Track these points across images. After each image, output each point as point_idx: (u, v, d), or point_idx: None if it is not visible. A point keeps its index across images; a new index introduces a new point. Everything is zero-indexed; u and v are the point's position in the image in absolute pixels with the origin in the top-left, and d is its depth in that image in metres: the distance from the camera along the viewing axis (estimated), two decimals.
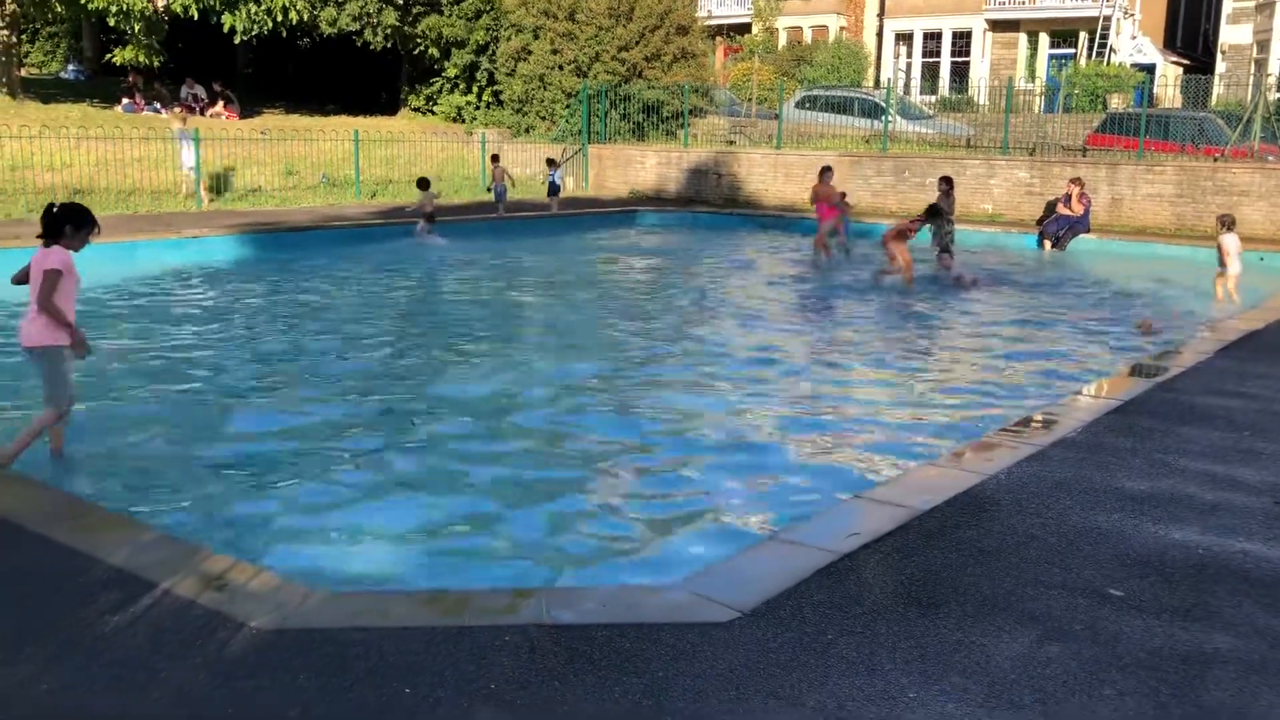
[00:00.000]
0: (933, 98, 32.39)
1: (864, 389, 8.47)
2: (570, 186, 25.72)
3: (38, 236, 5.79)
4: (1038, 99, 27.78)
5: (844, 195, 18.68)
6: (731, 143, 26.00)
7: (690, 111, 26.06)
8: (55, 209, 5.78)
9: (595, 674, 3.32)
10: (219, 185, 19.76)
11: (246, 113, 26.96)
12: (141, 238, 14.40)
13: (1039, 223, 18.57)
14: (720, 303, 12.59)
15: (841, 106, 25.40)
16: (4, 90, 24.20)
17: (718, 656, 3.45)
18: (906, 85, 35.05)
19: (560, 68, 26.76)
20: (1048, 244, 17.75)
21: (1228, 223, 12.44)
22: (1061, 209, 17.82)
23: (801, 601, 3.88)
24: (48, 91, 26.20)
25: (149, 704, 3.08)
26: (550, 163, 20.93)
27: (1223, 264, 12.38)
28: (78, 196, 17.28)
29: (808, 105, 26.10)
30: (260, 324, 10.48)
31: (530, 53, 26.98)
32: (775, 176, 23.00)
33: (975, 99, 29.24)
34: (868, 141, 23.78)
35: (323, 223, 16.78)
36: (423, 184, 17.00)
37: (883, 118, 23.35)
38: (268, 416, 7.28)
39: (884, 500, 5.04)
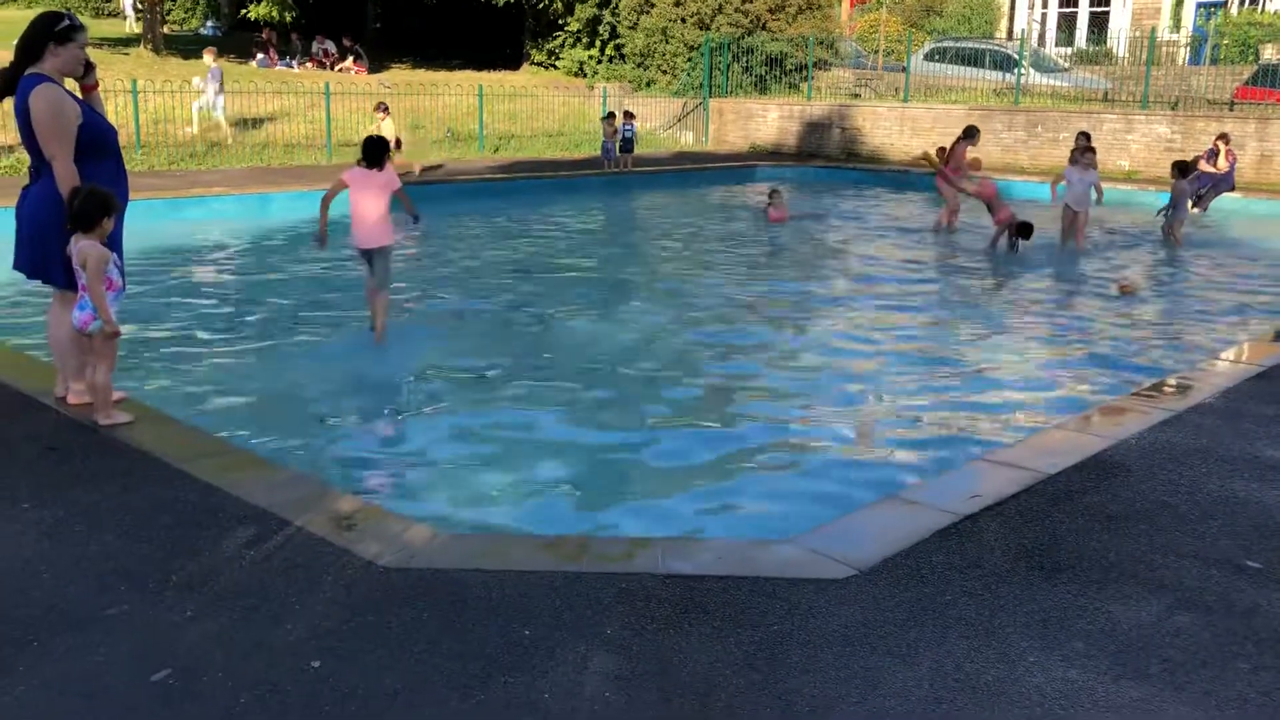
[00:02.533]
0: (1069, 50, 31.10)
1: (987, 350, 8.28)
2: (689, 141, 25.59)
3: (359, 161, 7.34)
4: (1182, 50, 26.46)
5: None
6: (856, 96, 25.48)
7: (814, 64, 25.60)
8: (373, 142, 7.45)
9: (710, 624, 3.35)
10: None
11: (375, 68, 27.52)
12: (275, 189, 14.87)
13: None
14: (839, 258, 12.41)
15: (972, 59, 24.63)
16: (149, 46, 25.19)
17: (833, 613, 3.44)
18: (1041, 36, 33.73)
19: (683, 20, 26.54)
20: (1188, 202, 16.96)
21: (1185, 170, 13.47)
22: (1204, 166, 16.98)
23: (920, 561, 3.83)
24: (188, 48, 27.16)
25: (283, 634, 3.22)
26: (627, 115, 20.14)
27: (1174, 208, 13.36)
28: (215, 149, 17.94)
29: (937, 57, 25.38)
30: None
31: (653, 5, 26.81)
32: (901, 131, 22.49)
33: (1114, 51, 27.97)
34: (999, 95, 23.02)
35: (447, 176, 17.07)
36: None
37: (1015, 70, 22.56)
38: (398, 364, 7.49)
39: (1007, 462, 4.93)
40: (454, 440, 5.89)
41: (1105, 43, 29.71)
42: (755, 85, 26.27)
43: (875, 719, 2.88)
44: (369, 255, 7.49)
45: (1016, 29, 33.79)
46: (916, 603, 3.52)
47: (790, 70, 26.13)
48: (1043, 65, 25.05)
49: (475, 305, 9.39)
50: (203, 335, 8.07)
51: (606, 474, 5.48)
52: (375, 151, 7.34)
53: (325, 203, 7.39)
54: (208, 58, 20.22)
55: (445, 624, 3.30)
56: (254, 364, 7.33)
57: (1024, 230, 12.27)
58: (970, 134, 14.13)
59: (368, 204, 7.31)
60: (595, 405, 6.60)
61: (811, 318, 9.31)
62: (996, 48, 25.99)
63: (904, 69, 24.59)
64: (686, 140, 25.61)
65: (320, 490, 4.49)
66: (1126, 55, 26.31)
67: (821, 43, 26.46)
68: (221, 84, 19.12)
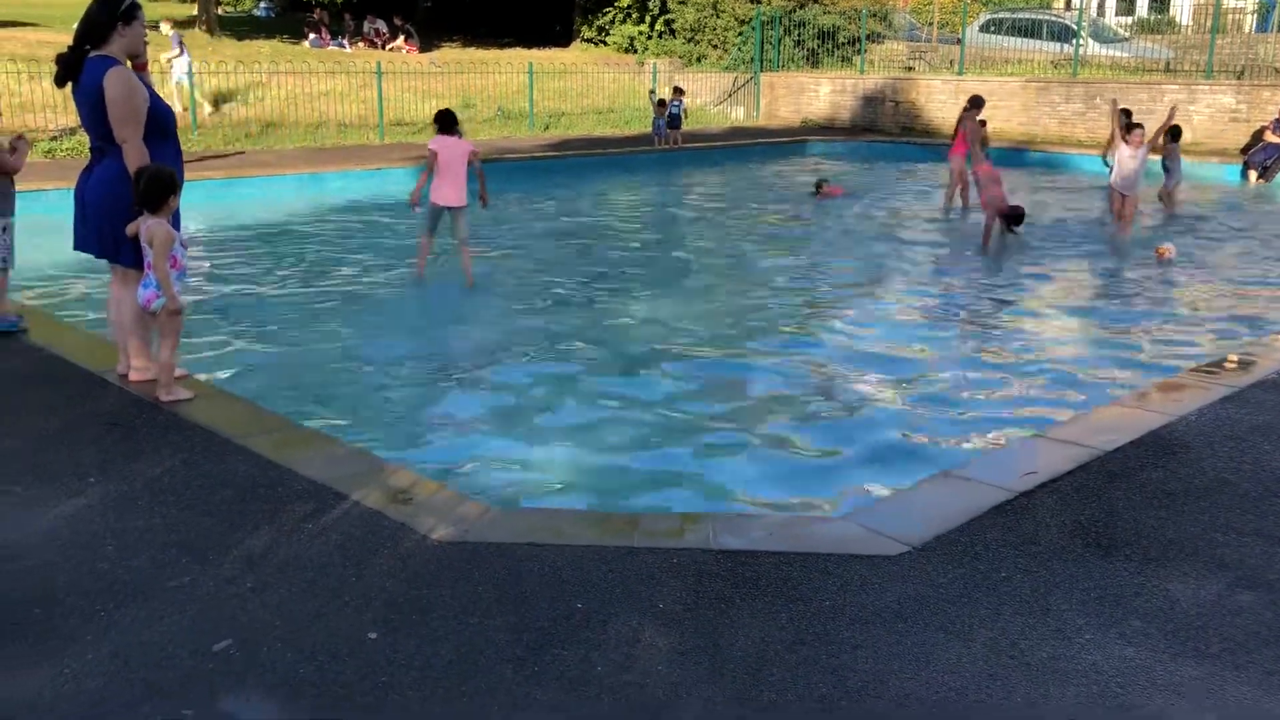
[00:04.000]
0: (1129, 19, 30.42)
1: (1039, 326, 8.16)
2: (740, 116, 25.42)
3: (440, 131, 8.48)
4: (1249, 17, 25.75)
5: (983, 123, 17.69)
6: (910, 69, 25.14)
7: (867, 37, 25.29)
8: (448, 113, 8.51)
9: (762, 600, 3.35)
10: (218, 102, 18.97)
11: (425, 46, 27.60)
12: (329, 169, 15.01)
13: (1244, 151, 17.33)
14: (890, 234, 12.28)
15: (1029, 30, 24.19)
16: (204, 28, 25.50)
17: (886, 589, 3.43)
18: (1100, 6, 33.02)
19: None
20: (1252, 174, 16.56)
21: (1176, 134, 13.12)
22: (1270, 136, 16.58)
23: (974, 538, 3.81)
24: (241, 29, 27.46)
25: (341, 606, 3.28)
26: (676, 90, 20.14)
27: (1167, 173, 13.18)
28: (269, 130, 18.12)
29: (992, 29, 24.95)
30: (440, 253, 10.79)
31: None
32: (956, 104, 22.09)
33: (1177, 19, 27.33)
34: (1056, 66, 22.59)
35: (497, 155, 17.11)
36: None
37: (1073, 41, 22.13)
38: (451, 342, 7.56)
39: (1063, 439, 4.87)
40: (507, 416, 5.93)
41: (1168, 11, 29.03)
42: (807, 59, 26.01)
43: (928, 694, 2.87)
44: (447, 213, 8.58)
45: None
46: (970, 579, 3.50)
47: (843, 44, 25.83)
48: (1102, 35, 24.53)
49: (528, 283, 9.43)
50: (259, 313, 8.18)
51: (658, 450, 5.48)
52: (447, 120, 8.43)
53: (425, 175, 8.53)
54: (165, 27, 19.04)
55: (499, 597, 3.34)
56: (310, 341, 7.43)
57: (1015, 218, 11.13)
58: (976, 103, 13.44)
59: (451, 167, 8.41)
60: (646, 381, 6.61)
61: (861, 294, 9.23)
62: (1054, 18, 25.49)
63: (959, 41, 24.21)
64: (737, 115, 25.44)
65: (376, 465, 4.55)
66: (1190, 23, 25.68)
67: (874, 15, 26.12)
68: (183, 49, 17.82)
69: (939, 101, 22.48)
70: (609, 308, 8.57)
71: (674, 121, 19.49)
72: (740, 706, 2.82)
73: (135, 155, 4.99)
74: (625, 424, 5.84)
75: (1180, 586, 3.47)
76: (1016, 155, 19.08)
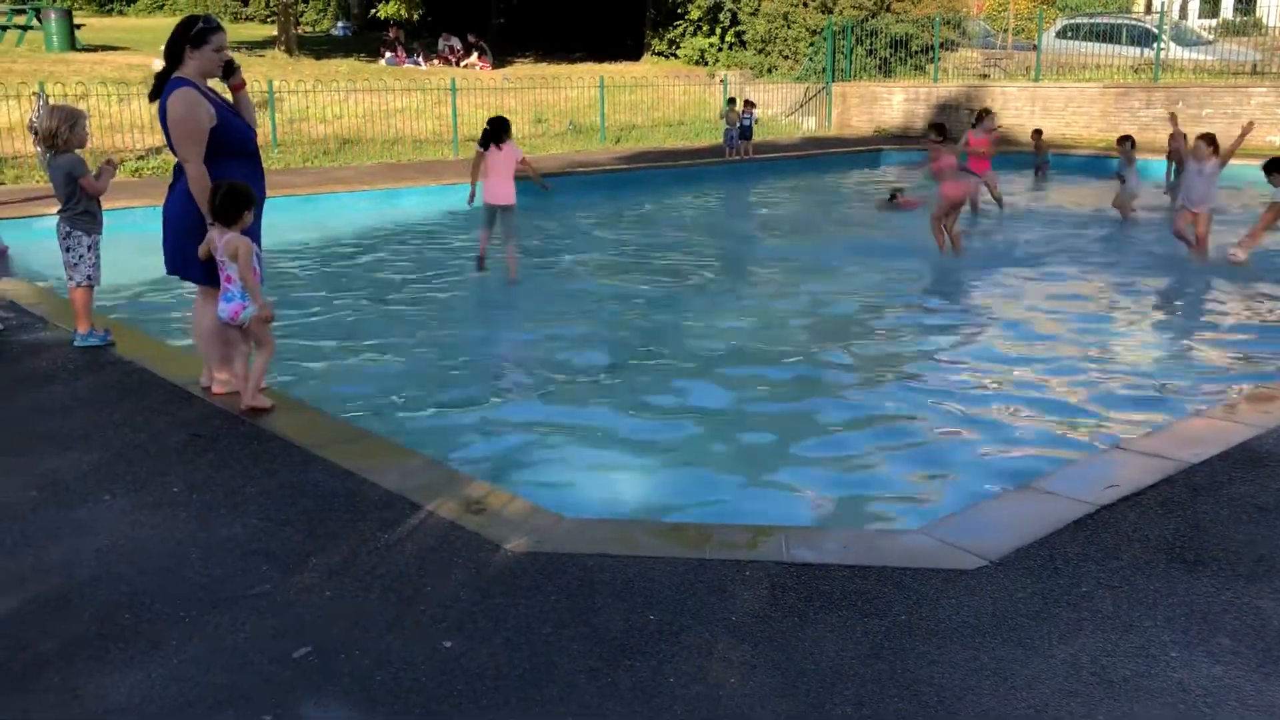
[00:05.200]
0: (1213, 21, 29.67)
1: (1120, 337, 7.98)
2: (812, 126, 25.30)
3: (490, 142, 9.31)
4: None
5: (1039, 132, 17.46)
6: (985, 76, 24.81)
7: (941, 45, 25.02)
8: (491, 127, 9.35)
9: (836, 613, 3.32)
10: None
11: (498, 63, 27.94)
12: (405, 185, 15.25)
13: None
14: (960, 244, 12.10)
15: (1107, 35, 23.73)
16: (283, 48, 26.11)
17: (963, 603, 3.37)
18: (1183, 8, 32.26)
19: (805, 4, 26.25)
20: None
21: (1132, 142, 12.24)
22: None
23: (1054, 552, 3.73)
24: (320, 48, 28.07)
25: (417, 614, 3.32)
26: (747, 103, 19.92)
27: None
28: (347, 146, 18.47)
29: (1069, 34, 24.54)
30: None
31: None
32: (1033, 111, 21.81)
33: (1264, 21, 26.60)
34: (1136, 71, 22.11)
35: (570, 169, 17.23)
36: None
37: (1154, 45, 21.64)
38: (525, 352, 7.62)
39: (1146, 451, 4.75)
40: (579, 426, 5.96)
41: (1254, 12, 28.27)
42: (879, 68, 25.81)
43: (1006, 711, 2.82)
44: (499, 210, 9.49)
45: (1156, 2, 32.42)
46: (1050, 594, 3.43)
47: (916, 52, 25.59)
48: (1184, 39, 23.96)
49: (600, 293, 9.48)
50: (335, 325, 8.33)
51: (731, 461, 5.47)
52: (503, 129, 9.30)
53: (473, 171, 9.71)
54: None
55: (572, 607, 3.36)
56: (385, 352, 7.55)
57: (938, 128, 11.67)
58: (980, 119, 13.31)
59: (498, 171, 9.35)
60: (719, 390, 6.59)
61: (934, 305, 9.12)
62: (1134, 22, 24.97)
63: (1034, 47, 23.84)
64: (809, 126, 25.33)
65: (450, 475, 4.60)
66: (1278, 25, 24.99)
67: (948, 23, 25.84)
68: None
69: (1015, 109, 22.14)
70: (681, 318, 8.57)
71: (745, 133, 19.44)
72: None
73: (194, 175, 5.12)
74: (698, 434, 5.84)
75: (1272, 604, 3.36)
76: (1096, 163, 18.71)
